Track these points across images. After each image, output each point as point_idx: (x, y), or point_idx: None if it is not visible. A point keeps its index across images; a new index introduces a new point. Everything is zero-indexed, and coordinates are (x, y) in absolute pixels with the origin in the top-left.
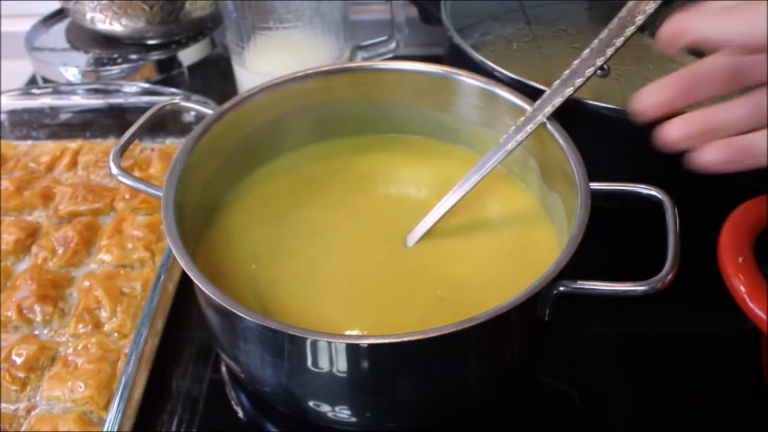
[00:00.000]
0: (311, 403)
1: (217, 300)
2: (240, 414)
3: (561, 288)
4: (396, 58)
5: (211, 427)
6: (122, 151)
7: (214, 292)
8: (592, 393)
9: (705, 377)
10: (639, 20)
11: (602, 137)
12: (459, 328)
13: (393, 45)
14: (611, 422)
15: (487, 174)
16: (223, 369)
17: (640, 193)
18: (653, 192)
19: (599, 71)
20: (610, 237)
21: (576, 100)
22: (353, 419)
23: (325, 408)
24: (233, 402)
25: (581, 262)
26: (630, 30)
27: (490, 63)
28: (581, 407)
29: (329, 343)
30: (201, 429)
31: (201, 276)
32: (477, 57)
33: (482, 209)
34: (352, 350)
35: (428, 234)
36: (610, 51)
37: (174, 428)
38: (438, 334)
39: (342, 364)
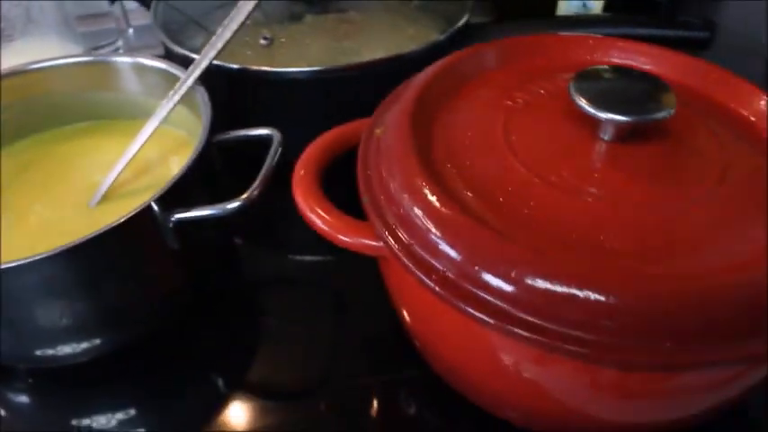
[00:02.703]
0: None
1: None
2: None
3: (175, 216)
4: None
5: None
6: None
7: None
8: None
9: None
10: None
11: (263, 96)
12: (53, 253)
13: (119, 43)
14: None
15: (146, 140)
16: None
17: (261, 134)
18: (268, 131)
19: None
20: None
21: (227, 67)
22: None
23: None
24: None
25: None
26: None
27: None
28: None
29: None
30: None
31: None
32: (178, 49)
33: (165, 171)
34: None
35: (110, 197)
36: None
37: None
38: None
39: None
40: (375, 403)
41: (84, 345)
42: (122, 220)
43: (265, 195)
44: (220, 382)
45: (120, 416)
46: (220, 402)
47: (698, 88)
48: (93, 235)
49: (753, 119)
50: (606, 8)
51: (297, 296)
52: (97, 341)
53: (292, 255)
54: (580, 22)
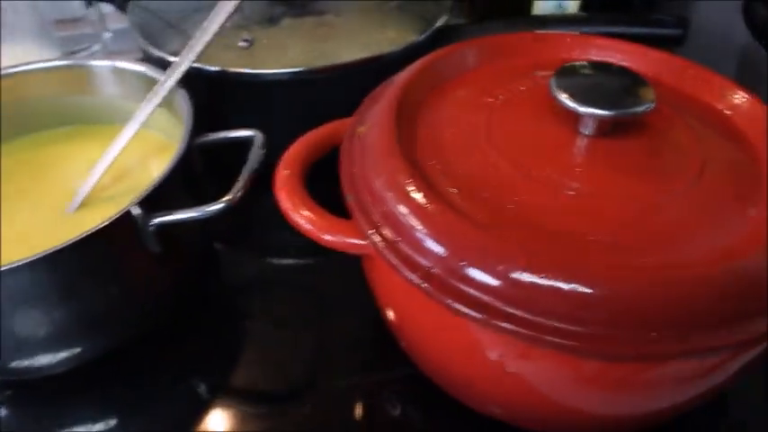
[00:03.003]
0: None
1: None
2: None
3: (157, 219)
4: None
5: None
6: None
7: None
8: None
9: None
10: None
11: (244, 98)
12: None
13: (96, 47)
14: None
15: (126, 144)
16: None
17: (243, 136)
18: (250, 132)
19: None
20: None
21: (206, 69)
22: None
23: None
24: None
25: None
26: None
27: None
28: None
29: None
30: None
31: None
32: (156, 52)
33: (144, 175)
34: None
35: (89, 202)
36: (204, 41)
37: None
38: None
39: None
40: (361, 405)
41: (64, 354)
42: (104, 224)
43: (247, 198)
44: (204, 389)
45: (100, 426)
46: (204, 409)
47: (675, 84)
48: (74, 240)
49: (728, 113)
50: (582, 8)
51: (279, 300)
52: (77, 349)
53: (272, 258)
54: (557, 21)
